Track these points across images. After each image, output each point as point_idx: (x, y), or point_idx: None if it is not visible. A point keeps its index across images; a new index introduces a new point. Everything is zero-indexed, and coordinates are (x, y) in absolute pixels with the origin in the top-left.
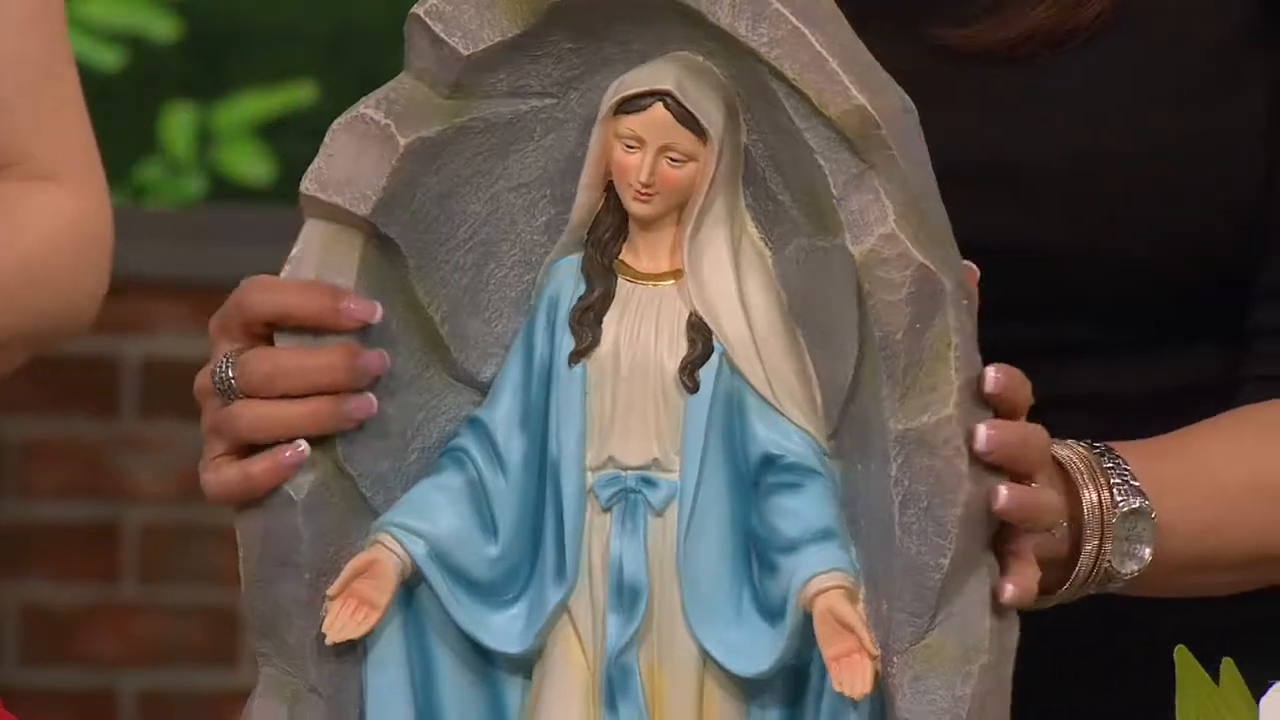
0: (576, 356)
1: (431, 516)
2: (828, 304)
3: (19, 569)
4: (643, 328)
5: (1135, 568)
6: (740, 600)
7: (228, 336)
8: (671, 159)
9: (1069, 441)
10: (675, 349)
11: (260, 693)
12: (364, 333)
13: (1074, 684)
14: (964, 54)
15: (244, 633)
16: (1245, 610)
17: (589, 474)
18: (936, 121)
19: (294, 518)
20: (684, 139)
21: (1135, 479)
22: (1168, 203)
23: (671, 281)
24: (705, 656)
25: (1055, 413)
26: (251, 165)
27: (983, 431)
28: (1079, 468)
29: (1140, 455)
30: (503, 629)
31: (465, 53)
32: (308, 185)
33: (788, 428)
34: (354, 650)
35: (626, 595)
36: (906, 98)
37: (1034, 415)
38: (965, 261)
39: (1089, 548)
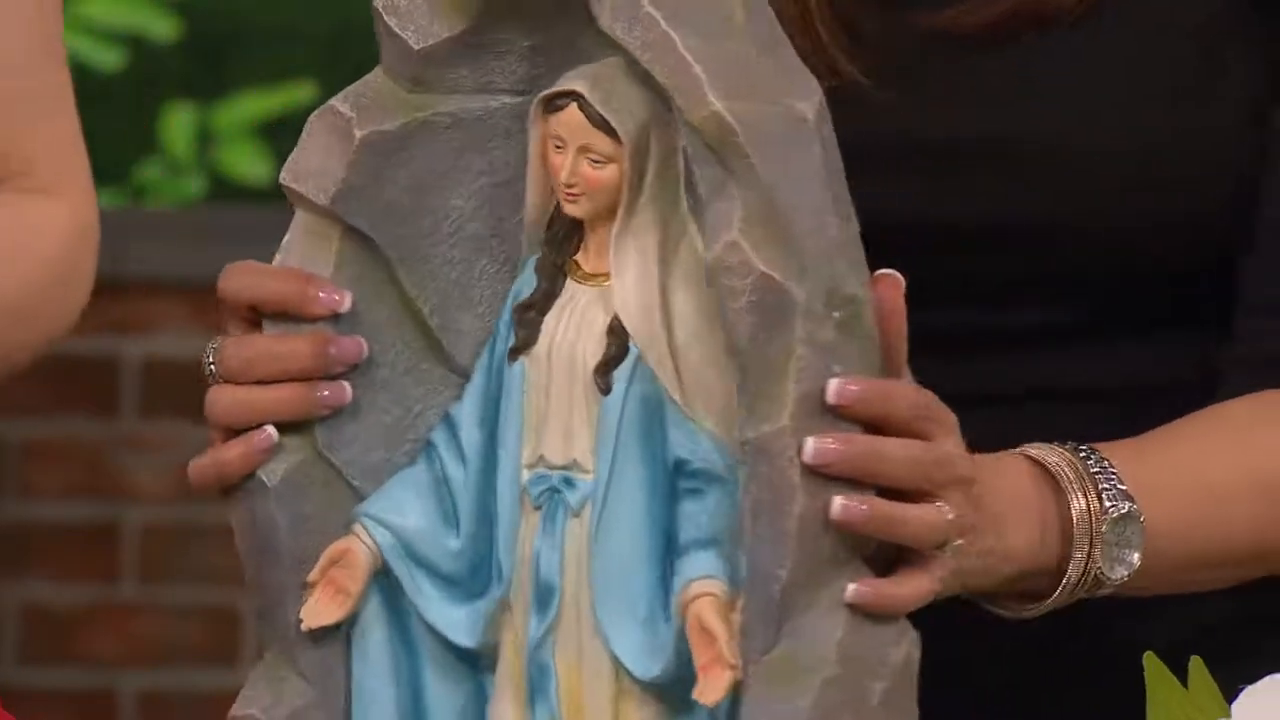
0: (514, 354)
1: (401, 509)
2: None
3: (19, 569)
4: (573, 328)
5: (1125, 573)
6: (650, 603)
7: (227, 322)
8: (592, 160)
9: (1054, 446)
10: (596, 350)
11: (254, 675)
12: (351, 322)
13: (1051, 686)
14: (952, 37)
15: (244, 632)
16: (1220, 608)
17: (524, 471)
18: (928, 106)
19: (268, 504)
20: (599, 140)
21: (1122, 483)
22: (1155, 185)
23: (608, 283)
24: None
25: (1042, 404)
26: (251, 165)
27: (810, 444)
28: (1067, 475)
29: (1126, 457)
30: (459, 622)
31: (416, 47)
32: (284, 174)
33: (697, 433)
34: (339, 637)
35: (542, 594)
36: (814, 106)
37: (1021, 408)
38: (887, 271)
39: (1079, 555)
